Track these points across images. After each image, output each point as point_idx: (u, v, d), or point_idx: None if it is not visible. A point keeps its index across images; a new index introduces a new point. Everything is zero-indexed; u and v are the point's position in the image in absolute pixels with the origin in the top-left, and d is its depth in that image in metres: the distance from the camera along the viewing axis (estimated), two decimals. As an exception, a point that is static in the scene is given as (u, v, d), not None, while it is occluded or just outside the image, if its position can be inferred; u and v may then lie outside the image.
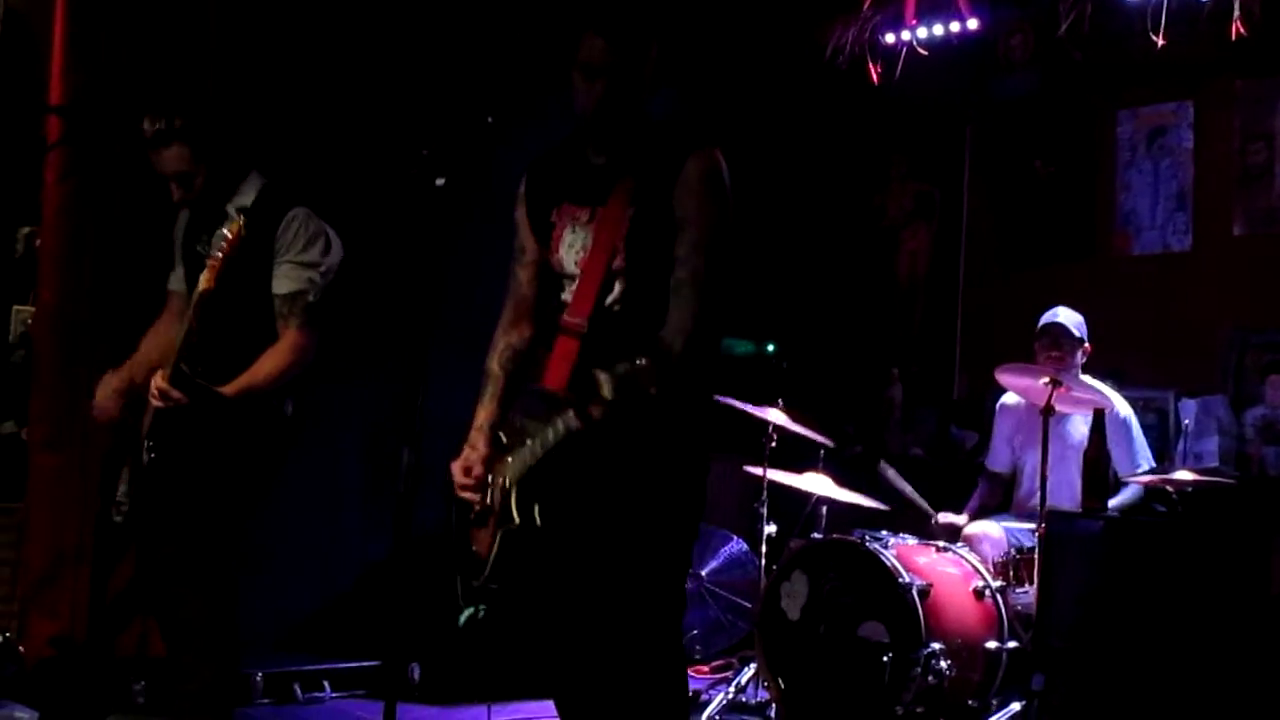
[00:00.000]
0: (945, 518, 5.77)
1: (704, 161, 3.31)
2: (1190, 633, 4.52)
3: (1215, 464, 5.92)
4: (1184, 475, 5.06)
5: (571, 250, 3.39)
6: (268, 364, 4.08)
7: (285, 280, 4.12)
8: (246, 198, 4.18)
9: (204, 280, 4.00)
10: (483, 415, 3.59)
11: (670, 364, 3.10)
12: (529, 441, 3.30)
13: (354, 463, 6.09)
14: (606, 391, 2.99)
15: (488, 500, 3.42)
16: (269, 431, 4.22)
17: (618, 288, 3.34)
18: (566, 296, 3.41)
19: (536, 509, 3.33)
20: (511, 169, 6.33)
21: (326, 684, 5.60)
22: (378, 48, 6.12)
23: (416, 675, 5.74)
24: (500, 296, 6.40)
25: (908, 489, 5.78)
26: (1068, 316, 5.61)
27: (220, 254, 3.98)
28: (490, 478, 3.43)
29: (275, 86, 5.68)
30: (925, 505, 5.77)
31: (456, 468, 3.54)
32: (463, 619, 3.49)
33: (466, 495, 3.52)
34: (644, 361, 3.00)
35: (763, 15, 7.29)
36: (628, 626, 3.32)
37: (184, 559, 4.08)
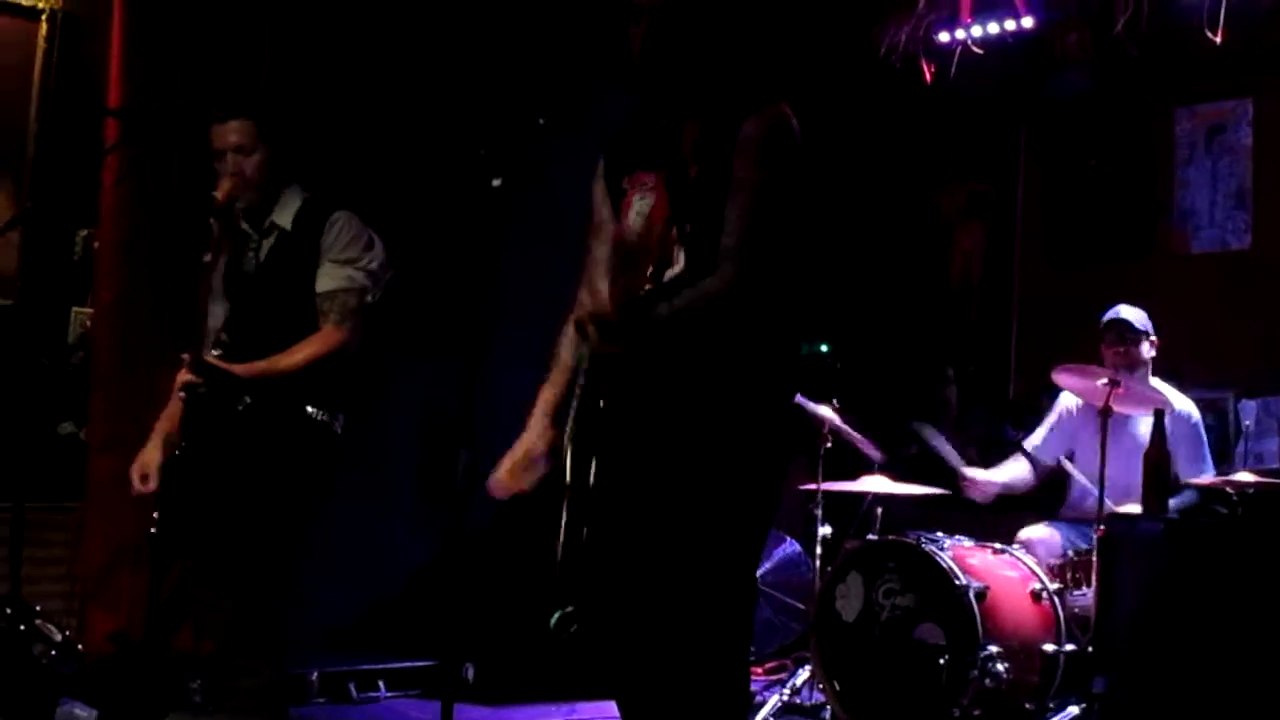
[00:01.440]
0: (973, 472, 5.70)
1: (763, 120, 3.18)
2: (1251, 635, 4.47)
3: (1277, 465, 5.85)
4: (1244, 477, 5.00)
5: (640, 217, 3.25)
6: (295, 352, 4.10)
7: (326, 279, 4.16)
8: (289, 210, 4.22)
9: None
10: (541, 400, 3.46)
11: (678, 315, 3.01)
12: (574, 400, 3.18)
13: (408, 462, 6.11)
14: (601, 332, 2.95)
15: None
16: (316, 448, 4.21)
17: (681, 258, 3.16)
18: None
19: (591, 469, 3.14)
20: (563, 170, 6.35)
21: (381, 683, 5.63)
22: (432, 50, 6.14)
23: (471, 675, 5.75)
24: (554, 294, 6.40)
25: (945, 447, 5.73)
26: (1130, 312, 5.56)
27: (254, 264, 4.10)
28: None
29: (331, 89, 5.71)
30: (959, 463, 5.71)
31: (512, 459, 3.43)
32: (553, 621, 3.35)
33: (502, 488, 3.43)
34: (650, 316, 2.96)
35: (817, 13, 7.26)
36: (691, 610, 3.15)
37: (228, 569, 4.11)
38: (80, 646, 4.80)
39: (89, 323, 5.33)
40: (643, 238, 3.15)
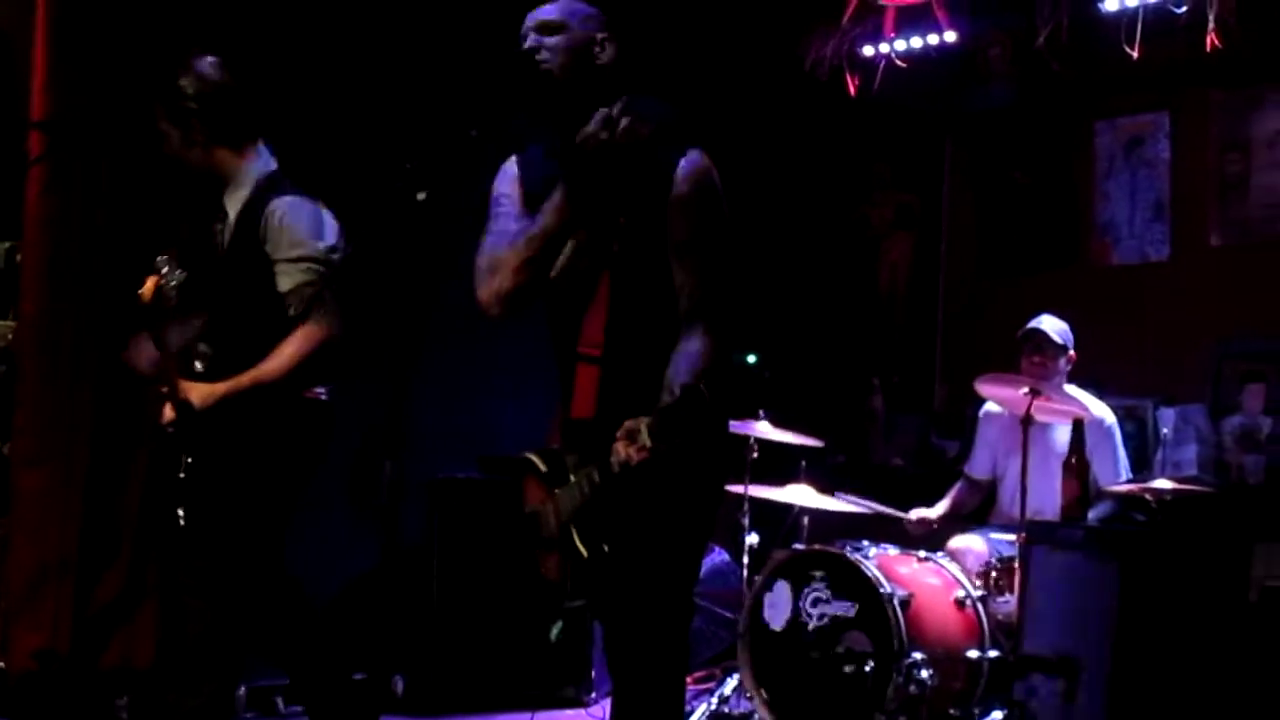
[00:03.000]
0: (917, 513, 5.80)
1: (693, 173, 3.23)
2: (1170, 641, 4.55)
3: (1194, 472, 5.96)
4: (1163, 484, 5.09)
5: (563, 257, 3.30)
6: (280, 355, 4.02)
7: (283, 278, 4.05)
8: (239, 195, 4.15)
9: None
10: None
11: (700, 405, 3.03)
12: (573, 479, 3.24)
13: (338, 475, 6.08)
14: (645, 439, 2.97)
15: (546, 532, 3.33)
16: (304, 426, 4.19)
17: (623, 309, 3.25)
18: (565, 315, 3.36)
19: (601, 541, 3.25)
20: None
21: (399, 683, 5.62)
22: (361, 63, 6.13)
23: (400, 688, 5.74)
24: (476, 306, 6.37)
25: (873, 506, 5.82)
26: (1051, 324, 5.64)
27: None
28: (542, 507, 3.35)
29: (260, 93, 5.68)
30: (894, 512, 5.80)
31: None
32: (553, 634, 3.46)
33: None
34: (675, 401, 3.00)
35: (742, 26, 7.31)
36: (660, 628, 3.31)
37: (210, 571, 4.06)
38: (3, 664, 4.75)
39: (11, 336, 5.27)
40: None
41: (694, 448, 3.16)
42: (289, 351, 4.01)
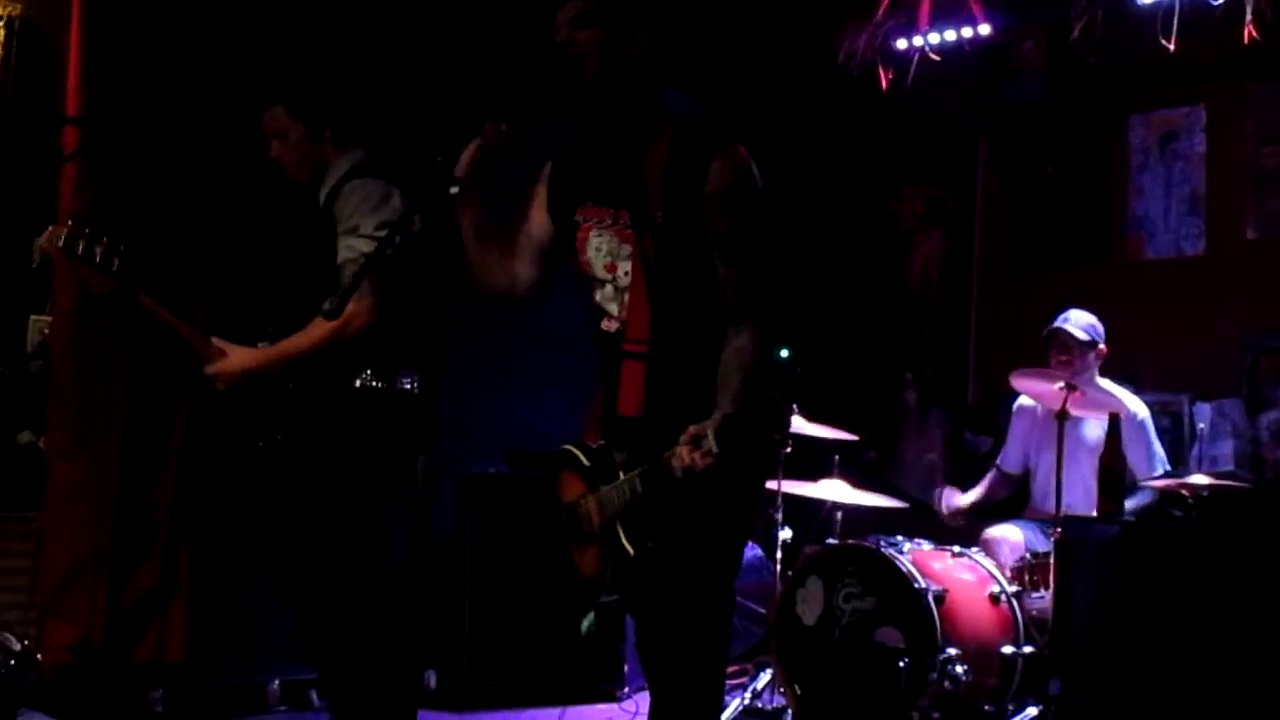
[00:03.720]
0: (948, 500, 5.78)
1: (731, 167, 3.19)
2: (1206, 636, 4.52)
3: (1230, 468, 5.92)
4: (1199, 479, 5.06)
5: (600, 254, 3.30)
6: (305, 334, 4.05)
7: (341, 252, 4.08)
8: (329, 183, 4.22)
9: None
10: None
11: (761, 409, 3.07)
12: (623, 478, 3.21)
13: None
14: (712, 445, 2.95)
15: (585, 526, 3.32)
16: (374, 417, 4.11)
17: (666, 305, 3.23)
18: (600, 299, 3.34)
19: (646, 539, 3.23)
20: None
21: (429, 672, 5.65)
22: (391, 57, 6.13)
23: (433, 682, 5.75)
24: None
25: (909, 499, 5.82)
26: (1077, 320, 5.60)
27: None
28: (582, 501, 3.33)
29: (290, 93, 5.69)
30: (929, 502, 5.80)
31: None
32: (584, 626, 3.45)
33: None
34: (740, 409, 2.99)
35: (774, 21, 7.30)
36: (702, 625, 3.29)
37: (331, 559, 4.07)
38: (39, 657, 4.77)
39: (47, 331, 5.30)
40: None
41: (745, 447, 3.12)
42: (316, 331, 4.03)
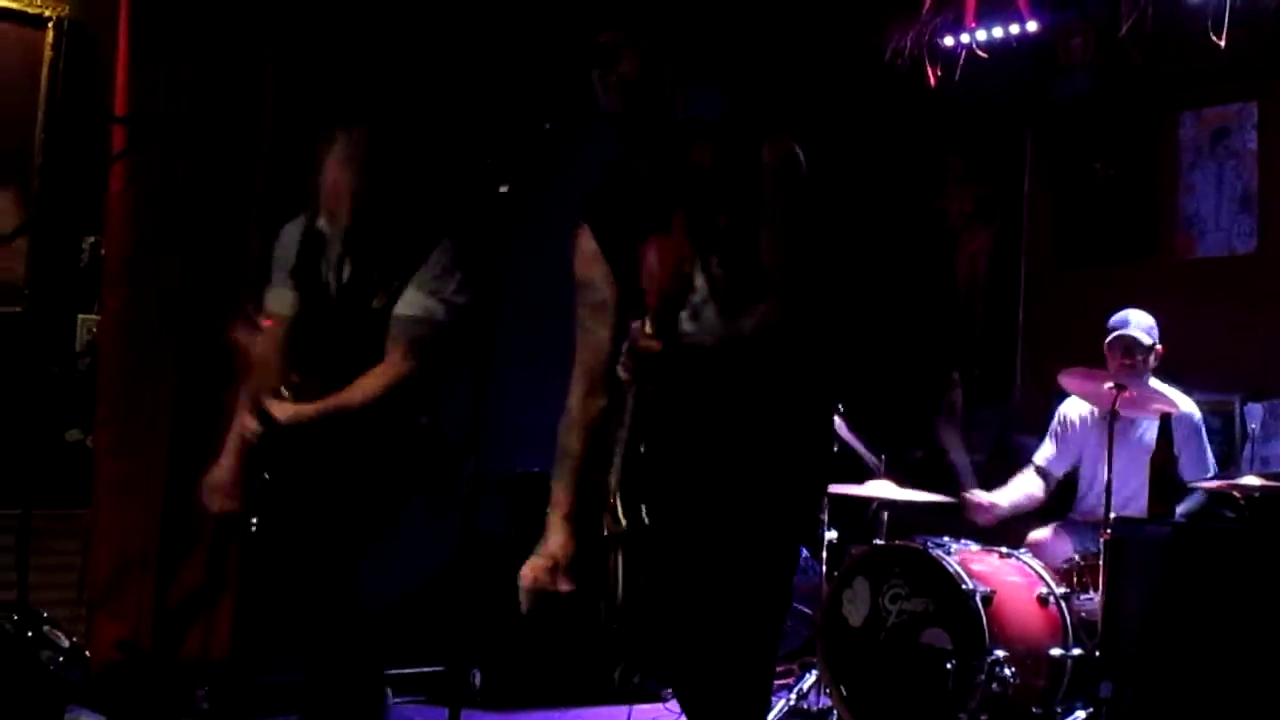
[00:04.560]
0: (977, 497, 5.68)
1: (778, 146, 3.12)
2: (1258, 640, 4.47)
3: (1282, 469, 5.85)
4: (1251, 480, 5.00)
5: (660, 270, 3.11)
6: (362, 387, 4.05)
7: (407, 304, 4.08)
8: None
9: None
10: (563, 501, 3.32)
11: (740, 339, 3.01)
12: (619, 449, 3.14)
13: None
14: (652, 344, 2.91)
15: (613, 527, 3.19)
16: (404, 446, 4.22)
17: (704, 290, 3.12)
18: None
19: (643, 509, 3.12)
20: (569, 176, 6.35)
21: (388, 689, 5.62)
22: (437, 56, 6.14)
23: (478, 681, 5.76)
24: (558, 300, 6.38)
25: (962, 459, 5.72)
26: (1138, 322, 5.53)
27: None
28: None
29: (336, 95, 5.71)
30: (968, 481, 5.69)
31: (537, 572, 3.36)
32: (617, 675, 3.40)
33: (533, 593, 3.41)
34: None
35: (821, 19, 7.27)
36: (742, 623, 3.15)
37: (320, 573, 4.12)
38: (87, 653, 4.81)
39: (95, 330, 5.33)
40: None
41: (794, 439, 3.10)
42: (373, 384, 4.05)
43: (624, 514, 3.12)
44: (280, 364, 4.18)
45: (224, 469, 4.22)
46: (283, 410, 4.05)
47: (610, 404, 3.31)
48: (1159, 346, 5.53)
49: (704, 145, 3.17)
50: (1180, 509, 5.15)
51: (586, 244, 3.36)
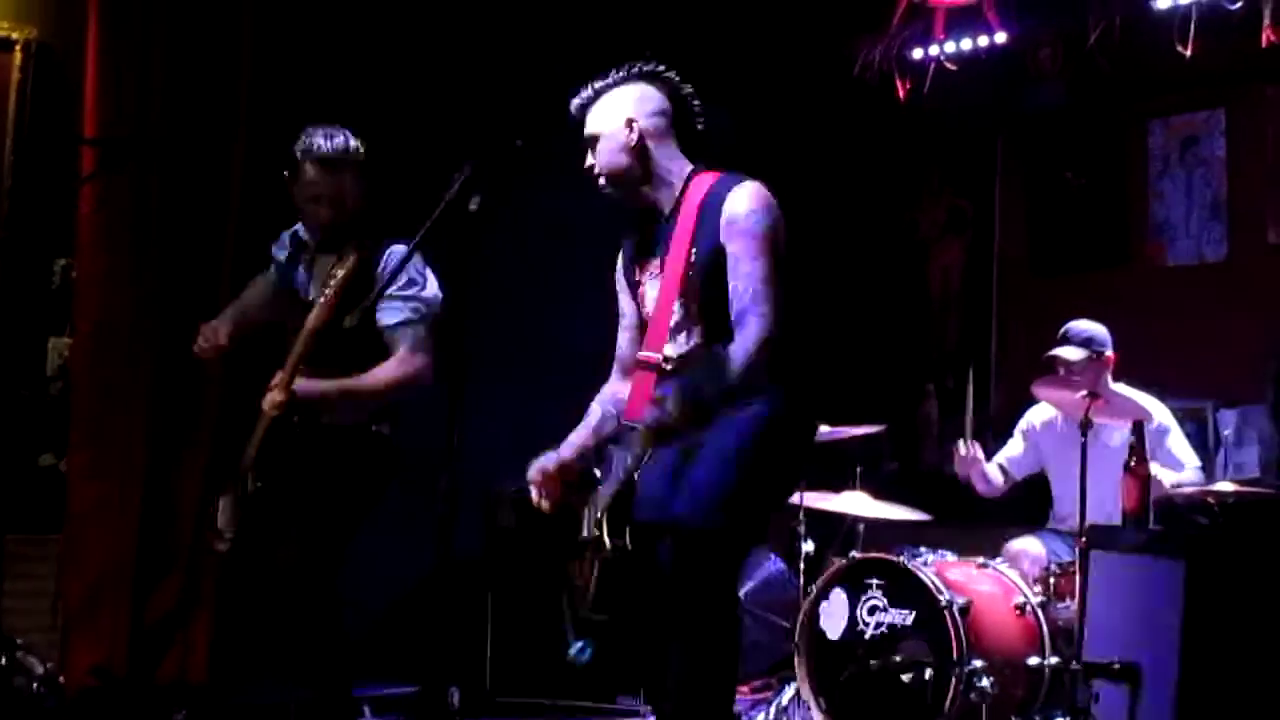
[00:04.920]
0: (962, 449, 5.71)
1: (744, 196, 3.51)
2: (1236, 645, 4.48)
3: (1256, 474, 5.87)
4: (1225, 486, 5.01)
5: (653, 302, 3.62)
6: (377, 374, 4.23)
7: (389, 313, 4.24)
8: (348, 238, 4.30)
9: (314, 318, 4.12)
10: (573, 437, 3.77)
11: (726, 374, 3.33)
12: (614, 468, 3.46)
13: (390, 487, 6.10)
14: (672, 407, 3.28)
15: (585, 532, 3.53)
16: (379, 462, 4.37)
17: (694, 333, 3.56)
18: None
19: (627, 532, 3.44)
20: (541, 192, 6.35)
21: (367, 709, 5.60)
22: (409, 74, 6.14)
23: (456, 700, 5.73)
24: (535, 315, 6.41)
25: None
26: (1075, 335, 5.54)
27: (333, 292, 4.10)
28: (587, 510, 3.53)
29: (308, 114, 5.70)
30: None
31: (534, 469, 3.69)
32: (573, 653, 3.60)
33: (533, 489, 3.69)
34: (698, 368, 3.30)
35: (790, 32, 7.28)
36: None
37: (295, 578, 4.20)
38: (62, 679, 4.78)
39: (67, 353, 5.31)
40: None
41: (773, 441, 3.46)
42: (389, 375, 4.23)
43: (609, 536, 3.44)
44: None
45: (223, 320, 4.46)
46: (304, 384, 4.16)
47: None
48: (1107, 353, 5.53)
49: (689, 196, 3.57)
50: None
51: (615, 274, 3.83)
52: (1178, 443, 5.53)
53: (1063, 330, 5.60)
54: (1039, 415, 5.84)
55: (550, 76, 6.57)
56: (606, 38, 6.61)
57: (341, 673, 4.31)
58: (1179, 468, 5.44)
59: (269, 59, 5.65)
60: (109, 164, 5.15)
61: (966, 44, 6.88)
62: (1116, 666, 4.63)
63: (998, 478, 5.84)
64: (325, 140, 4.31)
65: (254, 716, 5.23)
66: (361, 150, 4.34)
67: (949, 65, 6.90)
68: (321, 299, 4.14)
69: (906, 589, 5.10)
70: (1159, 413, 5.53)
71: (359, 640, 5.86)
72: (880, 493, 5.81)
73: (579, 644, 3.61)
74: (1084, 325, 5.59)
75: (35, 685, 4.54)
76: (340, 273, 4.10)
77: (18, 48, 5.25)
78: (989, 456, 5.85)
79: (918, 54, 6.99)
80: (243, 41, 5.58)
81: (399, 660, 5.69)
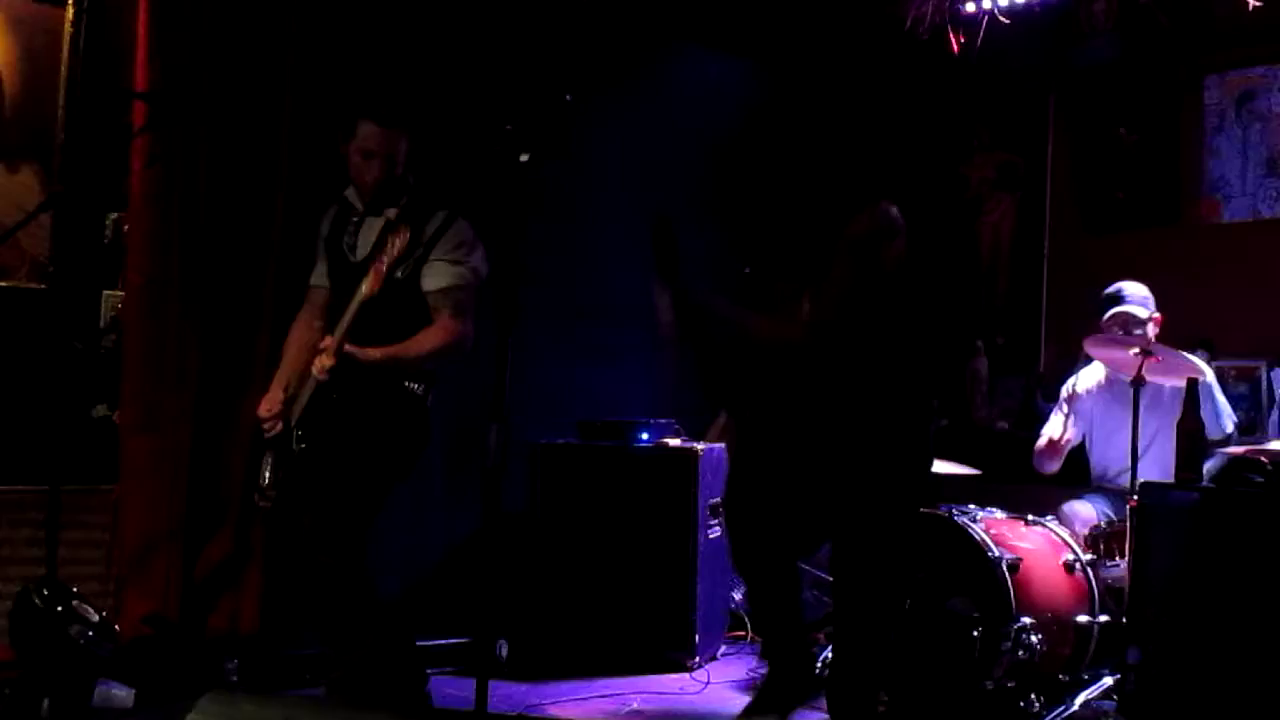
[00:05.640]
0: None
1: (863, 220, 4.08)
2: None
3: (1309, 432, 5.82)
4: (1277, 445, 4.97)
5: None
6: (423, 341, 4.30)
7: (436, 277, 4.31)
8: (396, 200, 4.37)
9: (367, 285, 4.17)
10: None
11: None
12: None
13: (440, 439, 6.13)
14: None
15: None
16: (412, 420, 4.42)
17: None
18: None
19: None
20: (590, 146, 6.33)
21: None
22: (458, 25, 6.13)
23: (505, 652, 5.77)
24: (578, 272, 6.41)
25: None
26: (1133, 294, 5.50)
27: (386, 260, 4.15)
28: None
29: (356, 68, 5.71)
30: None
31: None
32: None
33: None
34: None
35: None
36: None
37: (323, 532, 4.25)
38: (117, 627, 4.83)
39: (120, 306, 5.35)
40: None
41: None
42: (433, 339, 4.31)
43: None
44: (321, 327, 4.46)
45: (274, 390, 4.53)
46: (352, 350, 4.21)
47: None
48: (1156, 315, 5.50)
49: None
50: (1206, 468, 5.11)
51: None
52: (1217, 400, 5.49)
53: (1114, 290, 5.55)
54: (1082, 383, 5.79)
55: (598, 32, 6.57)
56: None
57: (374, 632, 4.34)
58: (1220, 426, 5.39)
59: (317, 14, 5.65)
60: (160, 119, 5.15)
61: (1019, -3, 6.81)
62: (1165, 625, 4.61)
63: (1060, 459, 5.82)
64: (382, 99, 4.38)
65: (303, 667, 5.29)
66: (413, 115, 4.39)
67: (1002, 19, 6.83)
68: (372, 268, 4.16)
69: (955, 545, 5.09)
70: (1204, 372, 5.48)
71: (408, 592, 5.93)
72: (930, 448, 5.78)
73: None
74: (1136, 286, 5.54)
75: (90, 633, 4.59)
76: (397, 242, 4.12)
77: (70, 2, 5.27)
78: (1039, 415, 5.81)
79: (970, 7, 6.93)
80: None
81: (450, 612, 5.74)
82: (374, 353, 4.23)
